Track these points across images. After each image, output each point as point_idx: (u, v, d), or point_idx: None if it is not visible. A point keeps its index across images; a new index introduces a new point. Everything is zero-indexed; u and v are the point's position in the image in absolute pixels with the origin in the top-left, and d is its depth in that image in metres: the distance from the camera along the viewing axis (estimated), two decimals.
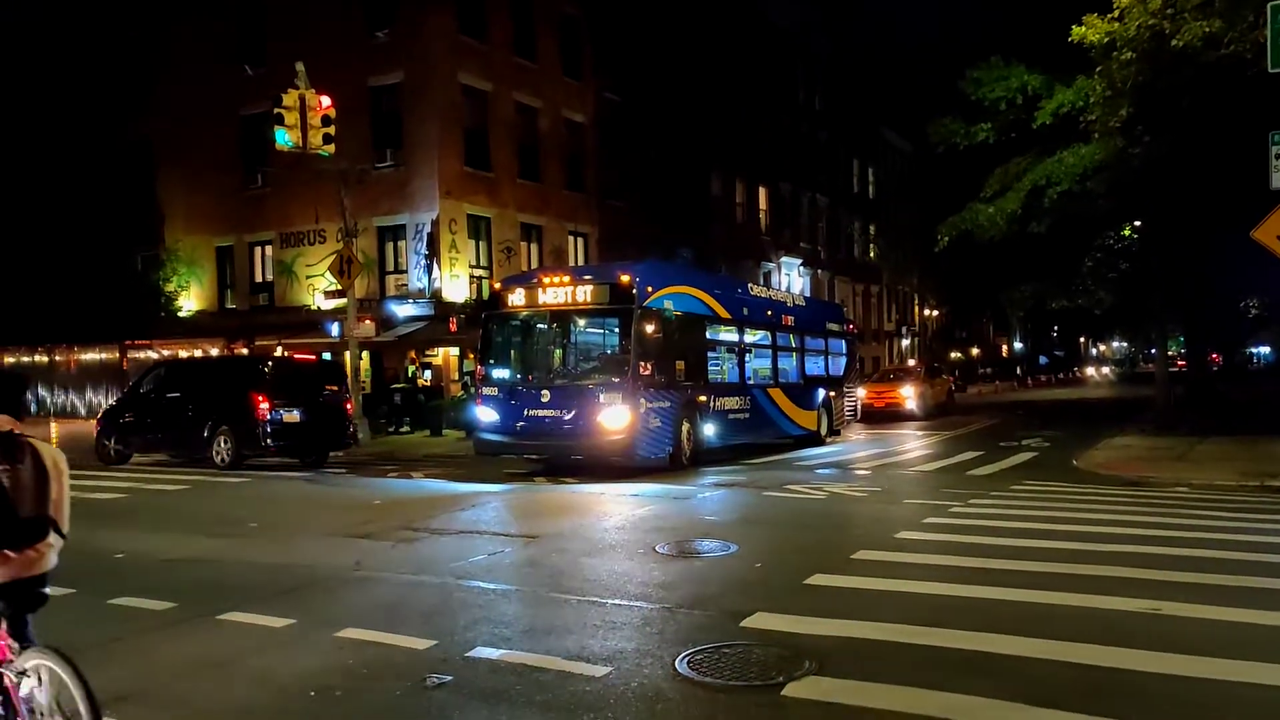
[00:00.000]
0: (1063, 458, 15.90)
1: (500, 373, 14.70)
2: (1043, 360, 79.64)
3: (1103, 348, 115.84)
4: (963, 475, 13.84)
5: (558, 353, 14.68)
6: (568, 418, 13.30)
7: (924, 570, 6.90)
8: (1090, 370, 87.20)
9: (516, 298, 14.37)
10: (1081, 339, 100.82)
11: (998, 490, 11.77)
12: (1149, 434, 19.74)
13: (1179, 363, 44.96)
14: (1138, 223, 28.83)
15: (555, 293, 13.98)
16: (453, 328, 24.72)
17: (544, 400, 13.54)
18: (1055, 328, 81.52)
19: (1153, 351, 35.30)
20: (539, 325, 14.62)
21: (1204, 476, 12.77)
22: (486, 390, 14.28)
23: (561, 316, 14.25)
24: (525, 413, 13.62)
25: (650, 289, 13.84)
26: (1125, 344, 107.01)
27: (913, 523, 9.19)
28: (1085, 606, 5.78)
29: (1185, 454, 15.69)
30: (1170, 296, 27.22)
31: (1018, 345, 75.14)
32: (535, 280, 14.42)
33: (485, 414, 14.10)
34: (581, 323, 14.62)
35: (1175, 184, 22.17)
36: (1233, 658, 4.71)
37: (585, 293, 13.84)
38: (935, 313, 62.06)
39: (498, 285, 15.38)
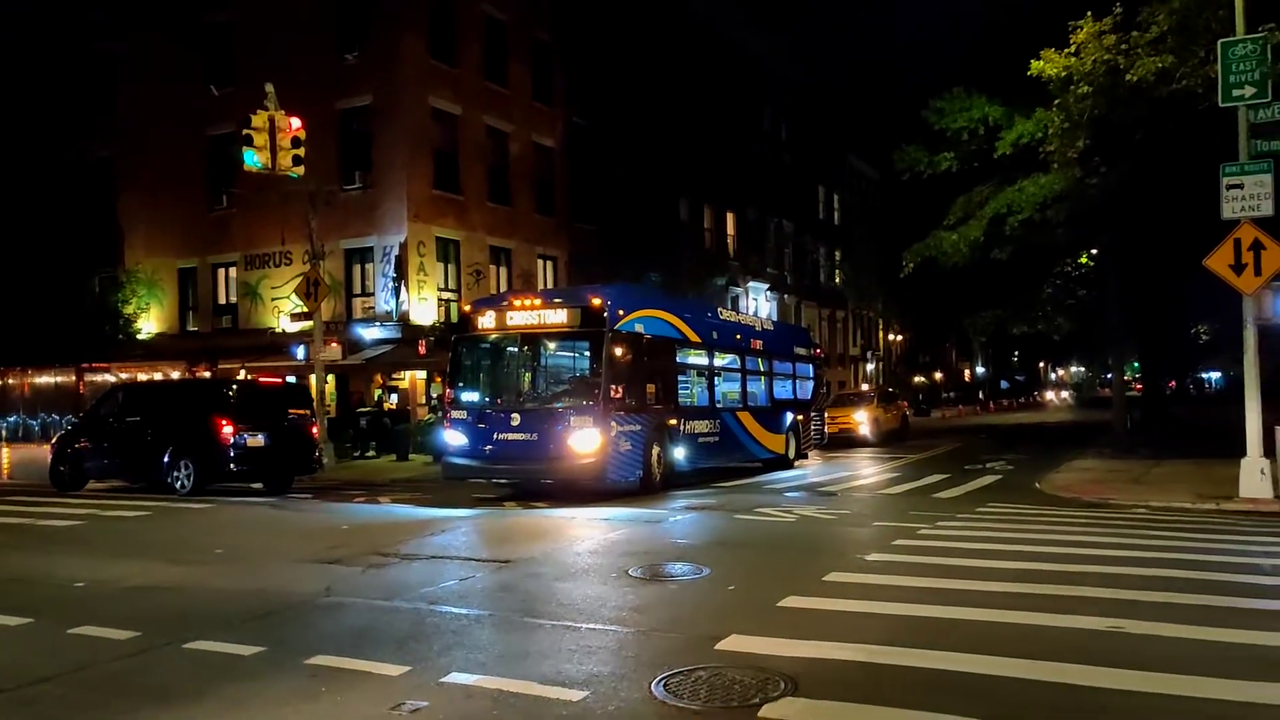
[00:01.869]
0: (1026, 481, 16.16)
1: (469, 396, 14.58)
2: (1004, 384, 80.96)
3: (1061, 372, 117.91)
4: (930, 498, 14.00)
5: (528, 376, 14.57)
6: (538, 441, 13.20)
7: (895, 591, 6.97)
8: (1050, 394, 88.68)
9: (486, 320, 14.28)
10: (1041, 364, 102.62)
11: (964, 513, 11.92)
12: (1108, 457, 20.14)
13: (1136, 387, 45.91)
14: (1095, 251, 29.54)
15: (526, 315, 13.92)
16: (421, 350, 24.59)
17: (514, 424, 13.44)
18: (1016, 353, 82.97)
19: (1109, 376, 36.04)
20: (509, 348, 14.52)
21: (1161, 498, 13.06)
22: (455, 414, 14.12)
23: (532, 339, 14.15)
24: (495, 436, 13.49)
25: (621, 312, 13.89)
26: (1083, 369, 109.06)
27: (883, 545, 9.28)
28: (1052, 625, 5.89)
29: (1142, 476, 16.02)
30: (1126, 323, 27.87)
31: (980, 370, 76.34)
32: (505, 303, 14.38)
33: (454, 438, 13.94)
34: (552, 346, 14.51)
35: (1131, 214, 22.81)
36: (1195, 674, 4.82)
37: (556, 315, 13.80)
38: (899, 338, 62.86)
39: (467, 307, 15.26)
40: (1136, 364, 44.48)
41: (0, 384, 25.60)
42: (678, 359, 15.89)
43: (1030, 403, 78.06)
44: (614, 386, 13.36)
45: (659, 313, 15.45)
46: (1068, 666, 4.97)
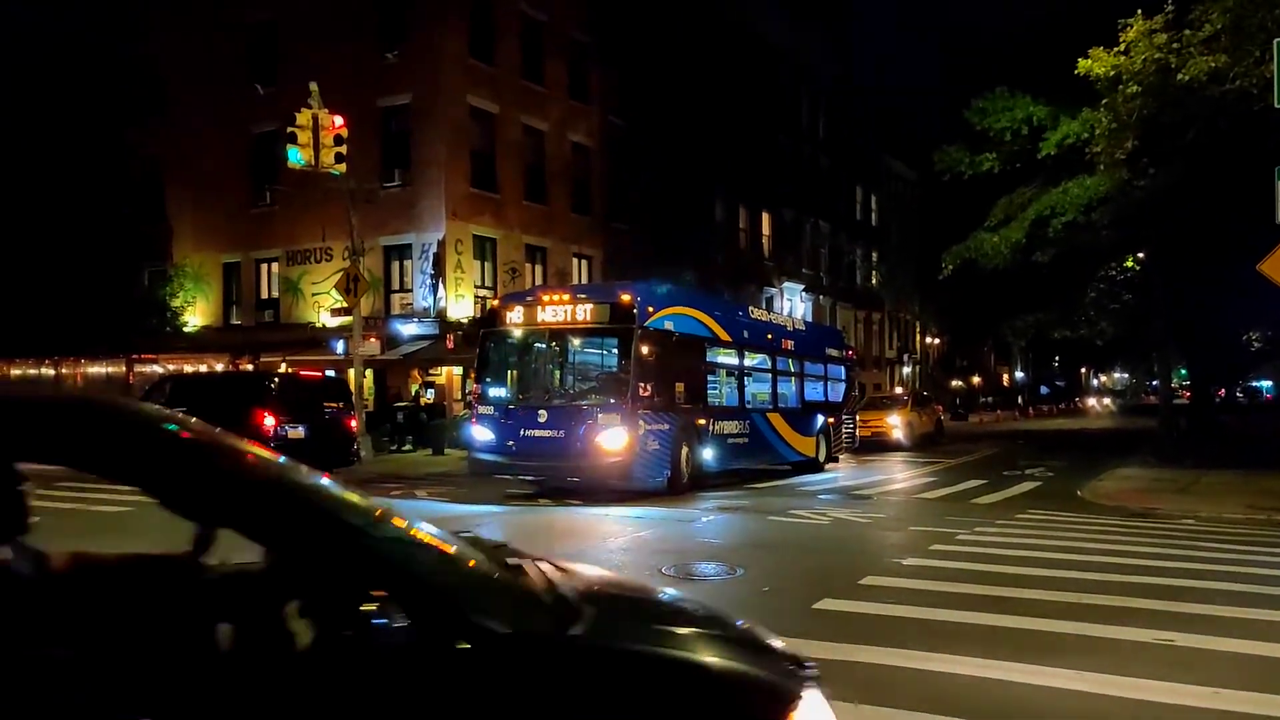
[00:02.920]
0: (1067, 487, 15.86)
1: (497, 391, 14.46)
2: (1044, 390, 79.66)
3: (1104, 378, 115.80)
4: (967, 503, 13.80)
5: (556, 372, 14.44)
6: (564, 438, 13.05)
7: (933, 596, 6.87)
8: (1092, 401, 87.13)
9: (515, 315, 14.16)
10: (1083, 369, 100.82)
11: (1003, 519, 11.73)
12: (1153, 465, 19.71)
13: (1183, 394, 44.91)
14: (1141, 254, 28.97)
15: (554, 311, 13.78)
16: (450, 345, 24.74)
17: (541, 420, 13.31)
18: (1057, 358, 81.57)
19: (1154, 383, 35.31)
20: (537, 344, 14.35)
21: (1210, 509, 12.74)
22: (482, 409, 13.99)
23: (560, 335, 14.04)
24: (521, 432, 13.37)
25: (651, 309, 13.68)
26: (1127, 375, 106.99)
27: (920, 549, 9.16)
28: (1096, 636, 5.75)
29: (1190, 486, 15.66)
30: (1173, 328, 27.30)
31: (1019, 375, 75.15)
32: (534, 298, 14.25)
33: (480, 433, 13.82)
34: (580, 342, 14.44)
35: (1179, 216, 22.31)
36: (1248, 689, 4.69)
37: (585, 312, 13.68)
38: (936, 340, 62.12)
39: (496, 303, 15.20)
40: (1184, 370, 43.56)
41: (54, 374, 26.24)
42: (707, 358, 15.68)
43: (1072, 409, 76.74)
44: (642, 384, 13.18)
45: (689, 310, 15.24)
46: (1112, 678, 4.85)
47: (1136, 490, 15.11)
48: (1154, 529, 11.12)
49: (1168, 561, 8.49)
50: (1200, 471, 17.70)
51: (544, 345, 14.27)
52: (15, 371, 25.57)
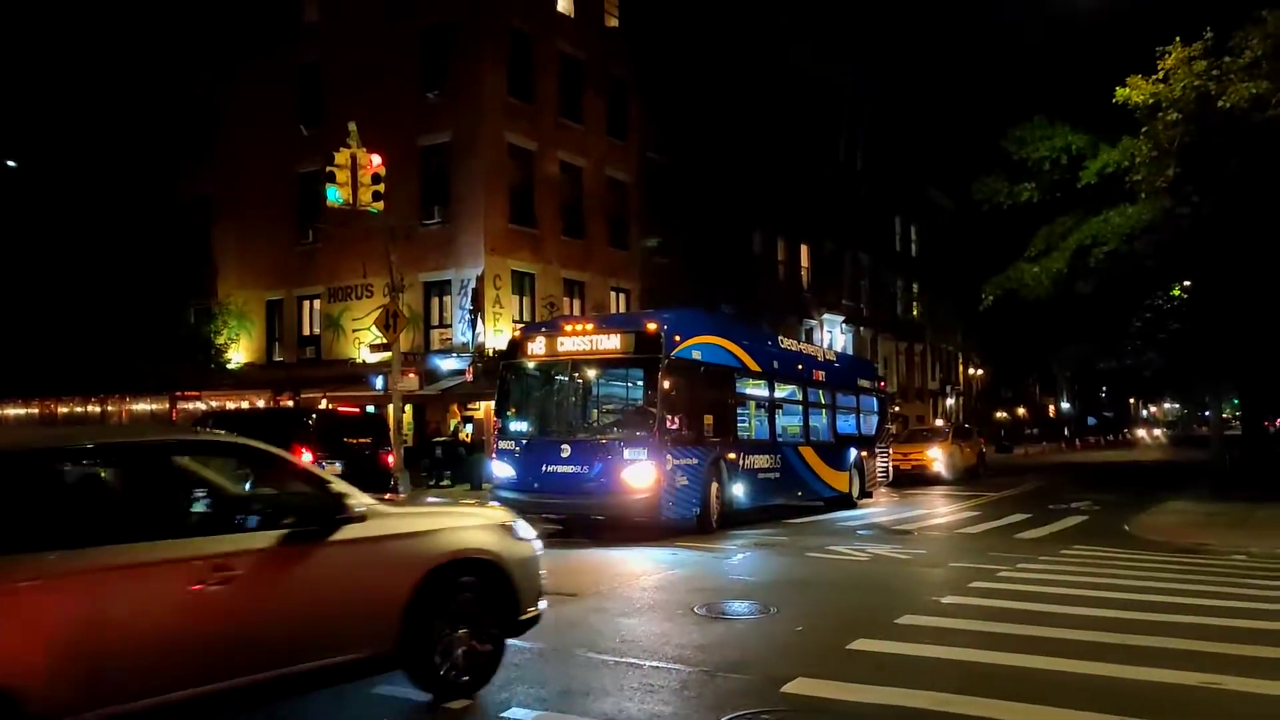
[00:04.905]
0: (1114, 522, 15.45)
1: (518, 425, 13.86)
2: (1091, 421, 77.98)
3: (1154, 409, 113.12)
4: (1010, 539, 13.49)
5: (579, 405, 13.84)
6: (589, 474, 12.52)
7: (971, 637, 6.71)
8: (1141, 432, 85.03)
9: (537, 346, 13.66)
10: (1131, 400, 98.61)
11: (1046, 555, 11.45)
12: (1204, 499, 19.13)
13: (1236, 425, 43.64)
14: (1187, 283, 28.36)
15: (578, 341, 13.27)
16: (469, 377, 24.85)
17: (564, 455, 12.74)
18: (1104, 388, 79.95)
19: (1206, 414, 34.40)
20: (559, 375, 13.71)
21: (1264, 545, 12.31)
22: (503, 444, 13.47)
23: (583, 366, 13.42)
24: (543, 468, 12.81)
25: (678, 338, 13.18)
26: (1178, 406, 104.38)
27: (959, 587, 8.96)
28: (1142, 680, 5.57)
29: (1243, 521, 15.16)
30: (1222, 358, 26.61)
31: (1065, 406, 73.73)
32: (557, 328, 13.82)
33: (501, 469, 13.31)
34: (605, 373, 13.77)
35: (1225, 244, 21.84)
36: None
37: (610, 341, 13.13)
38: (980, 372, 61.23)
39: (517, 333, 14.75)
40: (1236, 401, 42.36)
41: (100, 411, 26.87)
42: (736, 389, 15.05)
43: (1120, 440, 74.97)
44: (670, 417, 12.63)
45: (717, 339, 14.63)
46: None
47: (1186, 525, 14.67)
48: (1203, 566, 10.77)
49: (1217, 600, 8.21)
50: (1254, 505, 17.14)
51: (566, 377, 13.66)
52: (63, 409, 26.21)
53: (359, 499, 4.86)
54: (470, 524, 5.48)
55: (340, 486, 4.92)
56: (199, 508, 4.82)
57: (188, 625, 4.07)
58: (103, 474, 4.58)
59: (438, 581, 5.01)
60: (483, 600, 5.27)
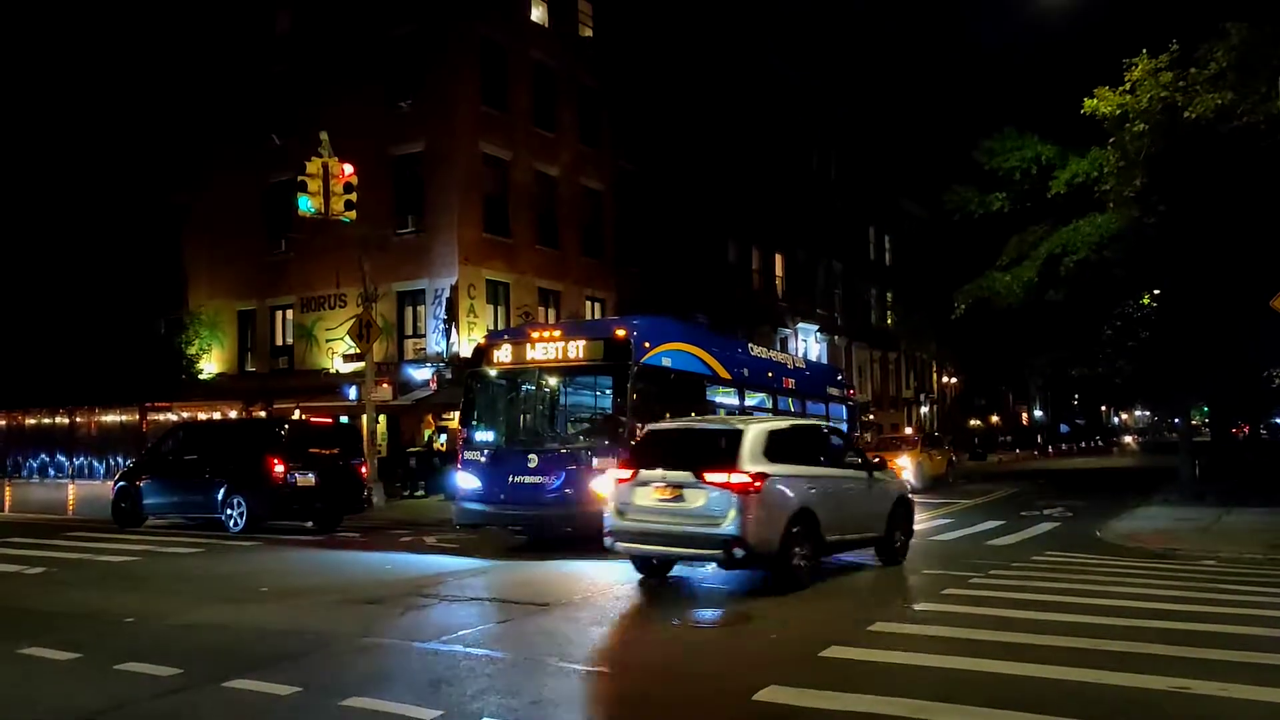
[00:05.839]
0: (1085, 528, 15.59)
1: (484, 435, 13.44)
2: (1063, 429, 78.76)
3: (1125, 416, 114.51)
4: (982, 545, 13.57)
5: (546, 414, 13.42)
6: (557, 485, 12.19)
7: (943, 643, 6.72)
8: (1112, 439, 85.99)
9: (503, 354, 13.27)
10: (1103, 407, 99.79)
11: (1019, 561, 11.52)
12: (1174, 504, 19.38)
13: (1205, 432, 44.29)
14: (1157, 291, 28.76)
15: (545, 348, 12.86)
16: (433, 386, 24.67)
17: (530, 465, 12.37)
18: (1076, 396, 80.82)
19: (1176, 421, 34.86)
20: (526, 384, 13.33)
21: (1232, 549, 12.48)
22: (468, 454, 13.01)
23: (552, 374, 13.02)
24: (510, 479, 12.42)
25: (647, 345, 12.84)
26: (1148, 413, 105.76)
27: (931, 594, 8.98)
28: (1112, 684, 5.60)
29: (1211, 526, 15.36)
30: (1192, 366, 26.98)
31: (1038, 413, 74.49)
32: (523, 335, 13.46)
33: (466, 480, 12.85)
34: (573, 381, 13.42)
35: (1192, 253, 22.18)
36: None
37: (578, 348, 12.75)
38: (953, 380, 61.73)
39: (482, 340, 14.19)
40: (1205, 408, 42.99)
41: (69, 423, 26.39)
42: (707, 397, 14.74)
43: (1091, 448, 75.79)
44: (640, 425, 12.11)
45: (687, 346, 14.33)
46: None
47: (1157, 531, 14.83)
48: (1174, 570, 10.88)
49: (1187, 605, 8.29)
50: (1221, 510, 17.37)
51: (533, 385, 13.27)
52: (30, 421, 25.76)
53: (876, 468, 11.11)
54: (901, 483, 12.19)
55: (872, 460, 11.26)
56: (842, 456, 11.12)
57: (848, 504, 10.25)
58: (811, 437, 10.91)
59: (897, 505, 11.24)
60: (906, 517, 11.52)
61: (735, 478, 8.69)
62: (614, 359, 12.50)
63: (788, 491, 9.11)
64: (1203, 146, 17.15)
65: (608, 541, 9.65)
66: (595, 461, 12.09)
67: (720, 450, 9.00)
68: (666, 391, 13.28)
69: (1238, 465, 30.16)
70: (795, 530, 9.00)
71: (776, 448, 9.31)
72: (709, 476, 8.78)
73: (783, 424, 10.73)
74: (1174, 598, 8.68)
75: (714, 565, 10.63)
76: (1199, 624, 7.33)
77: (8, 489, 22.23)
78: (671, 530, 9.05)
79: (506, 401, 13.78)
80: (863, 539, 10.56)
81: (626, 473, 9.62)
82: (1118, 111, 17.34)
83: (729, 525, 8.56)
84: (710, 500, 8.73)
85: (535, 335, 13.20)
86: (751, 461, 8.89)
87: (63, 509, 20.37)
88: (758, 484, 8.71)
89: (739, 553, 8.63)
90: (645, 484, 9.26)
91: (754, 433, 9.31)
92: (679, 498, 9.00)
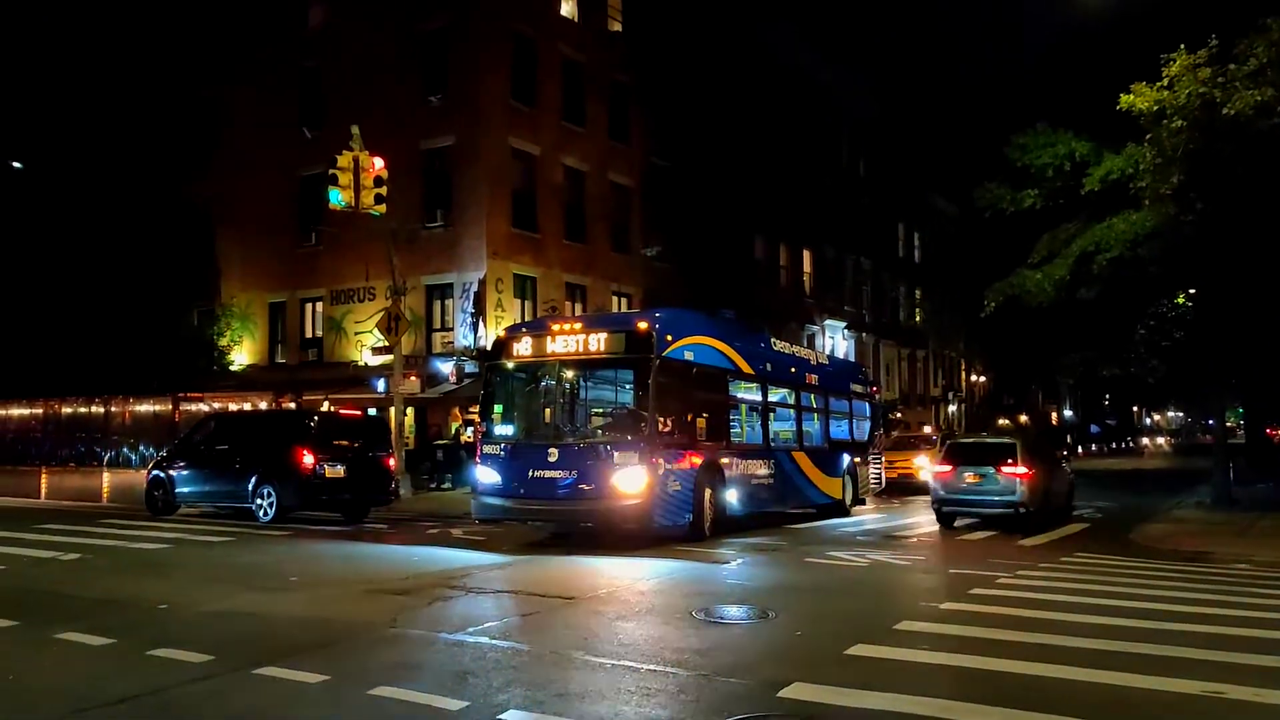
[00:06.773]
0: (1116, 530, 15.41)
1: (503, 429, 13.38)
2: (1094, 429, 77.75)
3: (1157, 417, 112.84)
4: (1010, 545, 13.45)
5: (567, 407, 13.16)
6: (577, 479, 12.03)
7: (970, 643, 6.67)
8: (1145, 440, 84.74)
9: (523, 346, 13.06)
10: (1135, 408, 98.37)
11: (1047, 562, 11.40)
12: (1208, 507, 19.09)
13: (1240, 434, 43.50)
14: (1192, 291, 28.25)
15: (566, 341, 12.67)
16: (452, 378, 24.79)
17: (550, 459, 12.19)
18: (1107, 396, 79.72)
19: (1210, 422, 34.30)
20: (546, 377, 13.06)
21: (1267, 554, 12.27)
22: (488, 448, 12.92)
23: (572, 367, 12.80)
24: (530, 473, 12.29)
25: (670, 337, 12.63)
26: (1182, 414, 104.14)
27: (959, 593, 8.92)
28: (1141, 688, 5.53)
29: (1246, 529, 15.11)
30: (1227, 366, 26.49)
31: (1068, 413, 73.59)
32: (544, 328, 13.27)
33: (486, 474, 12.74)
34: (594, 374, 13.28)
35: (1230, 252, 21.75)
36: None
37: (599, 341, 12.53)
38: (982, 379, 61.13)
39: (502, 333, 14.02)
40: (1240, 410, 42.25)
41: (104, 412, 26.88)
42: (729, 391, 14.57)
43: (1123, 449, 74.74)
44: (662, 419, 12.12)
45: (709, 340, 14.09)
46: None
47: (1190, 533, 14.61)
48: (1207, 574, 10.72)
49: (1220, 609, 8.17)
50: (1257, 514, 17.09)
51: (553, 378, 13.00)
52: (67, 410, 26.25)
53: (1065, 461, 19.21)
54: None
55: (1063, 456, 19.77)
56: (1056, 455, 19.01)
57: (1056, 483, 17.10)
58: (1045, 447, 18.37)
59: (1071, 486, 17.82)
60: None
61: (1020, 469, 15.16)
62: (635, 352, 12.31)
63: (1041, 476, 15.72)
64: (1242, 143, 16.83)
65: (935, 507, 16.13)
66: (616, 456, 11.86)
67: (1006, 452, 15.54)
68: (689, 385, 13.08)
69: (1273, 468, 29.61)
70: (1044, 496, 15.80)
71: (1032, 453, 15.76)
72: (1004, 469, 15.26)
73: (1035, 439, 18.24)
74: (1206, 601, 8.56)
75: (741, 560, 10.65)
76: (1232, 628, 7.22)
77: (44, 476, 22.68)
78: (980, 499, 15.62)
79: (526, 395, 13.60)
80: (1056, 507, 16.88)
81: (948, 468, 15.84)
82: (1155, 108, 17.06)
83: (1016, 495, 15.08)
84: (1004, 483, 15.16)
85: (555, 328, 13.02)
86: (1024, 462, 15.28)
87: (97, 496, 20.76)
88: (1031, 472, 15.25)
89: (1022, 510, 15.13)
90: (960, 474, 15.64)
91: (1022, 444, 15.77)
92: (983, 480, 15.39)
